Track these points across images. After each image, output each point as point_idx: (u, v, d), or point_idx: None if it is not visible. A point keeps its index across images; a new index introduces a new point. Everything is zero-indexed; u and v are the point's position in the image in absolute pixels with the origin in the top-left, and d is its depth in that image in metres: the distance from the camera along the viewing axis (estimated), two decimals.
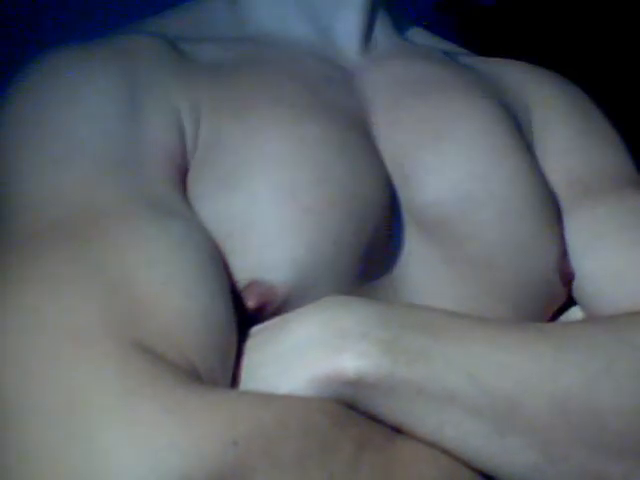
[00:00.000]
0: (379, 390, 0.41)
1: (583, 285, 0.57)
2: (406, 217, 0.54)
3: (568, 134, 0.64)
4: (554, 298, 0.57)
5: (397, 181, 0.55)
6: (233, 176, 0.50)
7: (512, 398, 0.41)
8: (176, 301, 0.41)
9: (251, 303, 0.47)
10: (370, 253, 0.51)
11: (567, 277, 0.57)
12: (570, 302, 0.59)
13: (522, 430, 0.41)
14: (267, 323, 0.47)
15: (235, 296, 0.47)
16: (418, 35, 0.67)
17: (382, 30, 0.63)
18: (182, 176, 0.49)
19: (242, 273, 0.47)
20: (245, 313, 0.47)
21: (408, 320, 0.43)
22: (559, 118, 0.64)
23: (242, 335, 0.47)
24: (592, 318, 0.53)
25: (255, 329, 0.46)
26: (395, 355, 0.41)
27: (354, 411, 0.42)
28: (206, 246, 0.46)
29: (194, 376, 0.39)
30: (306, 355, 0.42)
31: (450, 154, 0.56)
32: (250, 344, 0.45)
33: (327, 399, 0.41)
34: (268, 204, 0.49)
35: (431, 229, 0.54)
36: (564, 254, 0.57)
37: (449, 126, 0.57)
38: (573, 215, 0.61)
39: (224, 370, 0.42)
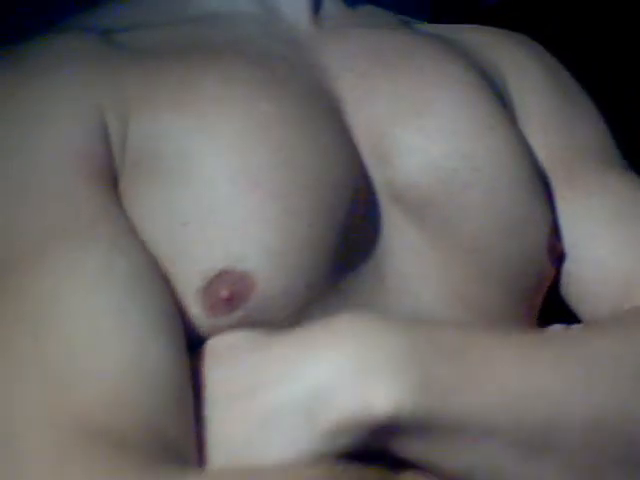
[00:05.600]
0: (412, 432, 0.39)
1: (568, 284, 0.57)
2: (386, 199, 0.52)
3: (547, 106, 0.61)
4: (544, 278, 0.55)
5: (374, 160, 0.53)
6: (181, 165, 0.47)
7: (547, 423, 0.41)
8: (112, 371, 0.38)
9: (224, 292, 0.45)
10: (349, 237, 0.49)
11: (556, 254, 0.55)
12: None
13: (557, 453, 0.41)
14: (251, 357, 0.43)
15: (192, 295, 0.45)
16: (371, 8, 0.64)
17: (333, 3, 0.60)
18: (109, 179, 0.47)
19: (207, 263, 0.45)
20: (215, 306, 0.45)
21: (438, 347, 0.42)
22: (535, 86, 0.61)
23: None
24: (605, 322, 0.52)
25: (228, 359, 0.43)
26: (430, 394, 0.40)
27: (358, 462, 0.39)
28: (136, 265, 0.43)
29: (161, 452, 0.36)
30: (330, 399, 0.39)
31: (431, 130, 0.53)
32: (227, 386, 0.42)
33: (322, 467, 0.38)
34: (229, 192, 0.46)
35: (415, 211, 0.52)
36: (554, 231, 0.55)
37: (426, 97, 0.54)
38: (558, 203, 0.59)
39: (189, 433, 0.39)
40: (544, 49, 0.66)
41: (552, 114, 0.61)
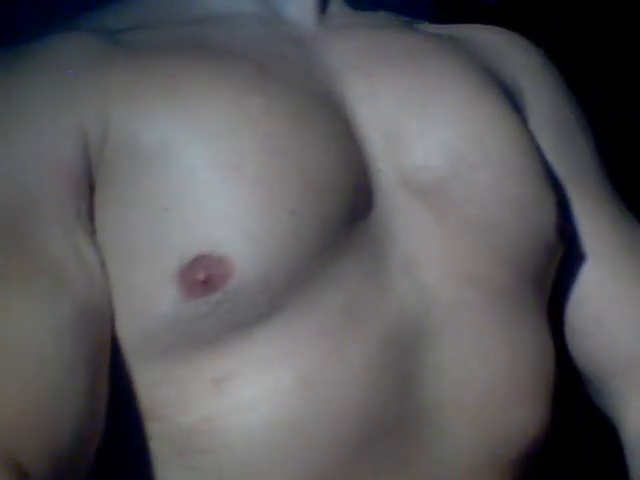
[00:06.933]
0: None
1: (584, 329, 0.59)
2: (394, 184, 0.53)
3: (555, 118, 0.61)
4: (553, 255, 0.56)
5: (380, 149, 0.53)
6: (162, 151, 0.48)
7: None
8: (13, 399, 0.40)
9: (200, 275, 0.46)
10: (342, 223, 0.50)
11: (563, 232, 0.56)
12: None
13: None
14: None
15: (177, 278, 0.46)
16: (376, 12, 0.65)
17: (337, 3, 0.61)
18: (80, 186, 0.47)
19: (186, 247, 0.46)
20: (191, 289, 0.46)
21: None
22: (549, 96, 0.62)
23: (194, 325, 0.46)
24: None
25: None
26: None
27: None
28: (73, 302, 0.45)
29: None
30: None
31: (438, 117, 0.54)
32: None
33: None
34: (211, 178, 0.47)
35: (423, 193, 0.53)
36: (561, 212, 0.56)
37: (431, 96, 0.55)
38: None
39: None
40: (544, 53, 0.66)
41: (559, 125, 0.62)
